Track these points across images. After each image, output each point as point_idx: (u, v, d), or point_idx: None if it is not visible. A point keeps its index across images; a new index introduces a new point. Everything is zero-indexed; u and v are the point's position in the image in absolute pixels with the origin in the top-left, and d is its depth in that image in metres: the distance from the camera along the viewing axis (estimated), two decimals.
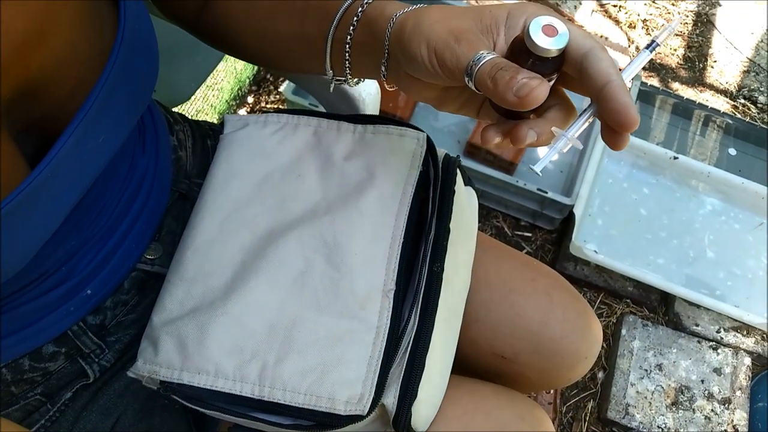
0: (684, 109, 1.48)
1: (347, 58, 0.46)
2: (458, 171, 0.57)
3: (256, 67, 1.44)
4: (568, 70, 0.38)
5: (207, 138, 0.64)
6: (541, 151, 1.34)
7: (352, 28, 0.44)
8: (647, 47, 0.38)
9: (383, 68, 0.43)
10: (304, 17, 0.47)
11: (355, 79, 0.48)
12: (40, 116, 0.36)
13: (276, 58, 0.52)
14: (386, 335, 0.46)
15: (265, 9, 0.49)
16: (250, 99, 1.45)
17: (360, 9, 0.44)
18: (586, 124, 0.38)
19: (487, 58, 0.36)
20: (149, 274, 0.53)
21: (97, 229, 0.48)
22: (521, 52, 0.35)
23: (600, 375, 1.19)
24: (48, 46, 0.35)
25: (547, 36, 0.33)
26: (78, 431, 0.51)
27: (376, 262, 0.48)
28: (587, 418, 1.15)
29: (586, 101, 0.39)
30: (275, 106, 1.46)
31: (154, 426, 0.53)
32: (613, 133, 0.36)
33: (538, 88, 0.34)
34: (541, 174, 0.39)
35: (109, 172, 0.48)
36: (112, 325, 0.52)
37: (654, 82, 1.61)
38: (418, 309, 0.48)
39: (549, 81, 0.36)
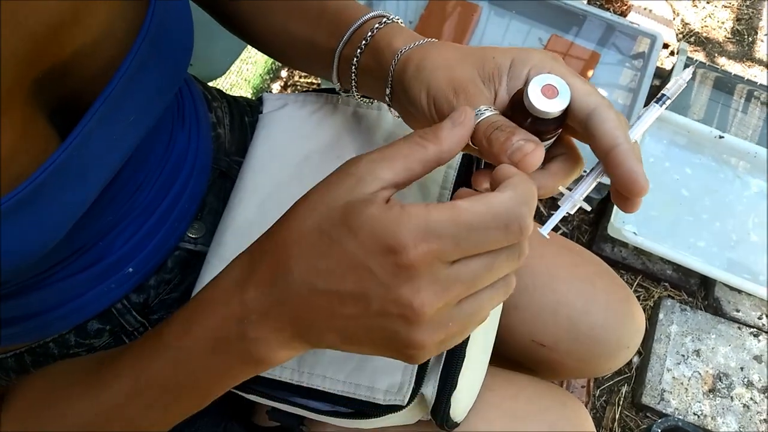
0: (726, 84, 1.42)
1: (353, 77, 0.45)
2: None
3: None
4: (574, 126, 0.36)
5: (245, 115, 0.63)
6: None
7: (359, 51, 0.43)
8: (657, 101, 0.36)
9: (387, 99, 0.43)
10: (316, 25, 0.47)
11: (365, 98, 0.48)
12: (75, 93, 0.36)
13: (288, 57, 0.53)
14: None
15: (281, 7, 0.49)
16: (284, 73, 1.44)
17: (370, 33, 0.43)
18: (595, 183, 0.36)
19: (484, 116, 0.34)
20: (192, 253, 0.53)
21: (135, 205, 0.48)
22: (520, 109, 0.33)
23: (635, 359, 1.17)
24: (84, 25, 0.34)
25: (547, 97, 0.31)
26: None
27: None
28: (621, 403, 1.14)
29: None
30: (309, 81, 1.44)
31: None
32: (623, 197, 0.35)
33: (533, 154, 0.32)
34: (548, 237, 0.37)
35: (146, 147, 0.47)
36: (155, 304, 0.52)
37: (700, 56, 1.55)
38: None
39: (549, 139, 0.34)
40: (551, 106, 0.31)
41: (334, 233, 0.29)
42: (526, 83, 0.31)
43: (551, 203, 1.33)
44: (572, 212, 0.36)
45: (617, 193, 0.35)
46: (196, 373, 0.34)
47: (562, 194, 0.36)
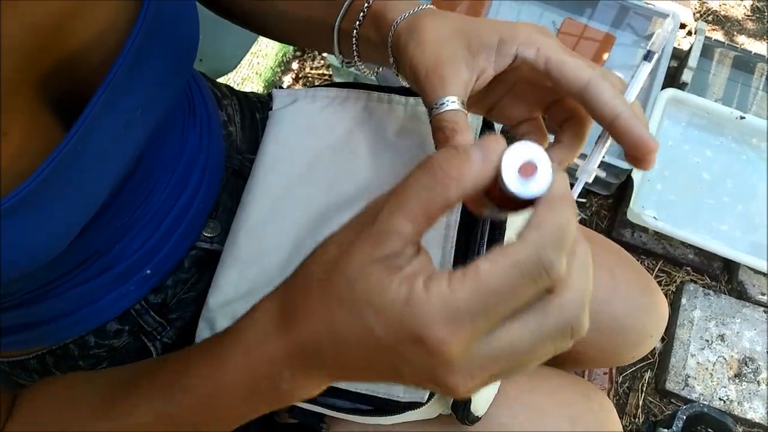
0: (746, 64, 1.38)
1: (355, 49, 0.45)
2: None
3: None
4: (575, 99, 0.37)
5: (255, 111, 0.63)
6: None
7: (358, 23, 0.43)
8: (645, 58, 0.38)
9: (393, 67, 0.43)
10: (312, 1, 0.47)
11: (373, 67, 0.48)
12: (79, 85, 0.36)
13: (288, 36, 0.53)
14: None
15: None
16: (295, 65, 1.43)
17: (366, 4, 0.43)
18: (605, 150, 0.37)
19: (438, 111, 0.36)
20: (208, 252, 0.53)
21: (150, 207, 0.48)
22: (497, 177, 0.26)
23: (658, 345, 1.15)
24: (87, 17, 0.34)
25: (524, 177, 0.25)
26: None
27: (432, 245, 0.47)
28: (644, 389, 1.12)
29: None
30: (320, 72, 1.44)
31: None
32: (635, 158, 0.36)
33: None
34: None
35: (158, 146, 0.47)
36: (173, 303, 0.52)
37: (718, 35, 1.52)
38: None
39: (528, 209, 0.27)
40: (527, 190, 0.25)
41: (356, 308, 0.27)
42: (501, 156, 0.25)
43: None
44: (590, 181, 0.37)
45: (629, 155, 0.36)
46: (218, 415, 0.33)
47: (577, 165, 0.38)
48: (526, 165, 0.25)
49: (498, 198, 0.26)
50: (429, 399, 0.43)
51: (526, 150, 0.25)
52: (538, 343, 0.26)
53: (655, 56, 0.38)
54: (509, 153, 0.25)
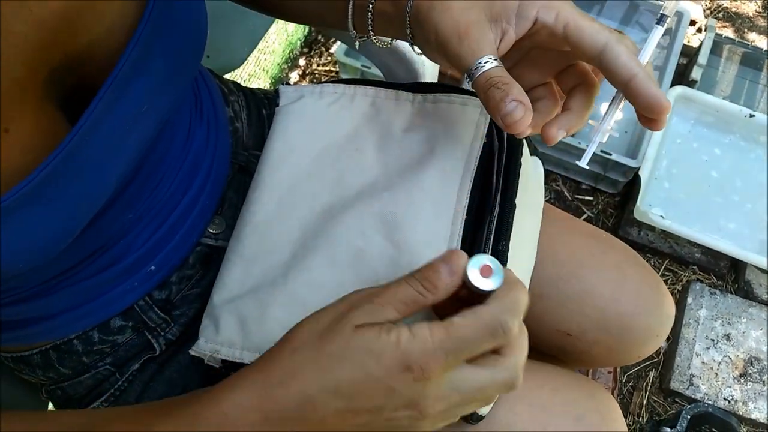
0: (755, 61, 1.37)
1: (370, 23, 0.45)
2: (524, 140, 0.54)
3: (307, 29, 1.41)
4: (589, 63, 0.39)
5: (262, 108, 0.62)
6: None
7: None
8: (657, 22, 0.39)
9: (409, 38, 0.43)
10: None
11: (385, 41, 0.48)
12: (87, 82, 0.36)
13: (302, 15, 0.53)
14: None
15: None
16: (302, 62, 1.43)
17: None
18: (619, 111, 0.39)
19: (483, 70, 0.37)
20: (213, 249, 0.53)
21: (156, 202, 0.48)
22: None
23: (663, 345, 1.15)
24: (94, 14, 0.34)
25: (483, 276, 0.34)
26: (144, 401, 0.53)
27: (439, 240, 0.46)
28: (648, 388, 1.12)
29: None
30: (327, 69, 1.43)
31: None
32: (648, 119, 0.38)
33: (521, 121, 0.37)
34: (588, 167, 0.43)
35: (165, 142, 0.47)
36: (177, 300, 0.52)
37: (728, 32, 1.50)
38: None
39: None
40: (487, 285, 0.34)
41: (356, 357, 0.33)
42: (468, 262, 0.34)
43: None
44: (604, 140, 0.40)
45: (642, 116, 0.38)
46: None
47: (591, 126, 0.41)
48: (484, 267, 0.34)
49: (465, 296, 0.35)
50: None
51: (480, 258, 0.34)
52: (489, 387, 0.34)
53: (668, 20, 0.39)
54: (471, 263, 0.34)
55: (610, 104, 0.39)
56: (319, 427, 0.34)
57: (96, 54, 0.35)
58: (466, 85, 0.44)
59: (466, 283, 0.34)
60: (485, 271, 0.34)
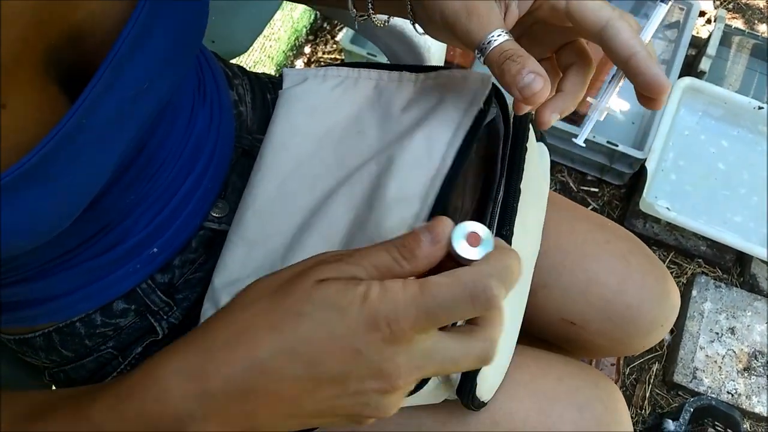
0: (765, 52, 1.36)
1: (370, 2, 0.44)
2: (530, 126, 0.53)
3: (312, 17, 1.41)
4: (590, 39, 0.38)
5: (267, 92, 0.62)
6: None
7: None
8: (662, 0, 0.39)
9: (410, 16, 0.42)
10: None
11: (383, 19, 0.47)
12: (86, 60, 0.35)
13: None
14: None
15: None
16: (308, 49, 1.42)
17: None
18: (617, 88, 0.39)
19: (496, 44, 0.36)
20: (216, 233, 0.53)
21: (158, 184, 0.48)
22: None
23: (667, 337, 1.14)
24: None
25: (470, 245, 0.30)
26: None
27: (412, 198, 0.44)
28: (652, 381, 1.12)
29: None
30: (333, 56, 1.42)
31: None
32: (647, 98, 0.37)
33: (541, 93, 0.35)
34: (585, 145, 0.42)
35: (167, 124, 0.47)
36: (180, 283, 0.52)
37: (738, 23, 1.49)
38: None
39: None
40: (475, 254, 0.30)
41: (317, 312, 0.29)
42: (453, 229, 0.31)
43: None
44: (601, 119, 0.39)
45: (641, 94, 0.38)
46: None
47: (590, 104, 0.40)
48: (471, 235, 0.30)
49: (450, 265, 0.31)
50: (422, 385, 0.43)
51: (467, 224, 0.30)
52: (463, 358, 0.30)
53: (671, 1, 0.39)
54: (456, 230, 0.30)
55: (609, 81, 0.39)
56: (273, 403, 0.30)
57: (95, 30, 0.35)
58: (478, 65, 0.43)
59: (451, 254, 0.30)
60: (473, 239, 0.30)
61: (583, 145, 0.42)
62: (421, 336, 0.29)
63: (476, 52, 0.38)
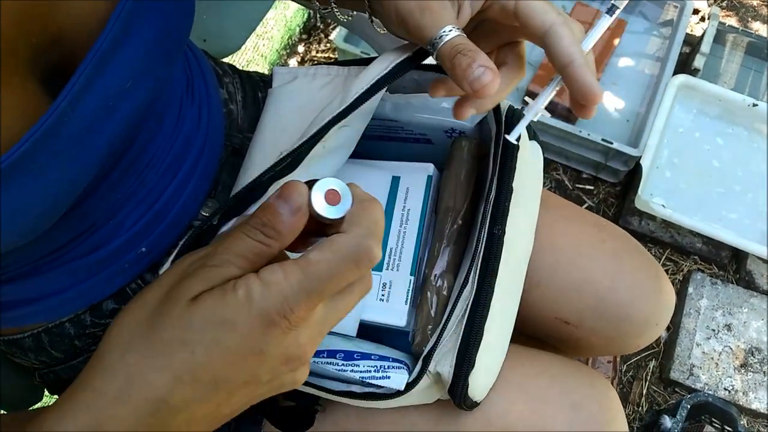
0: (760, 50, 1.36)
1: None
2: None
3: (306, 15, 1.40)
4: (536, 43, 0.39)
5: (258, 90, 0.62)
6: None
7: None
8: (607, 11, 0.40)
9: (368, 12, 0.43)
10: None
11: (347, 12, 0.47)
12: (69, 56, 0.35)
13: None
14: None
15: None
16: (301, 48, 1.42)
17: None
18: (554, 92, 0.40)
19: (447, 39, 0.37)
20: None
21: (145, 183, 0.47)
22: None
23: (663, 334, 1.14)
24: None
25: (331, 204, 0.30)
26: None
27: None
28: (648, 378, 1.11)
29: None
30: (326, 55, 1.42)
31: None
32: (580, 105, 0.39)
33: (491, 84, 0.36)
34: (517, 143, 0.43)
35: (155, 122, 0.47)
36: None
37: (732, 21, 1.49)
38: (477, 274, 0.46)
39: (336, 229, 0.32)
40: (336, 212, 0.30)
41: (204, 335, 0.28)
42: (310, 188, 0.30)
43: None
44: (535, 119, 0.40)
45: (575, 102, 0.39)
46: None
47: (527, 104, 0.41)
48: (329, 192, 0.30)
49: (314, 229, 0.31)
50: (415, 383, 0.43)
51: (322, 183, 0.30)
52: (353, 302, 0.31)
53: (617, 11, 0.39)
54: (314, 192, 0.29)
55: (547, 85, 0.40)
56: (190, 425, 0.29)
57: (77, 30, 0.35)
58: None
59: (312, 215, 0.30)
60: (331, 197, 0.30)
61: (516, 142, 0.43)
62: (315, 311, 0.30)
63: (429, 47, 0.38)
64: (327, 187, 0.30)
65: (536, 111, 0.40)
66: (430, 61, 0.42)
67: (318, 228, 0.31)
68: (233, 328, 0.28)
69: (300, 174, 0.44)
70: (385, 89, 0.44)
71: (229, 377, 0.29)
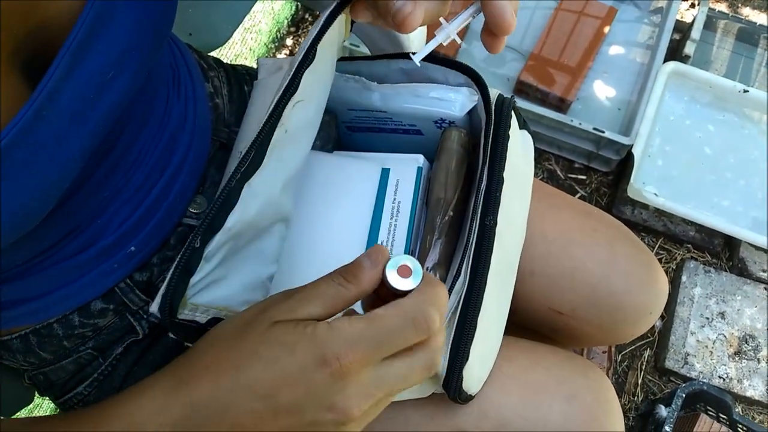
0: (750, 36, 1.35)
1: None
2: (513, 113, 0.52)
3: (293, 8, 1.39)
4: None
5: (244, 84, 0.61)
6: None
7: None
8: None
9: None
10: None
11: None
12: (49, 48, 0.34)
13: None
14: None
15: None
16: (289, 41, 1.41)
17: None
18: (471, 18, 0.39)
19: None
20: (194, 229, 0.52)
21: (133, 180, 0.47)
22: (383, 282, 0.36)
23: (658, 323, 1.14)
24: None
25: (402, 277, 0.34)
26: (129, 385, 0.52)
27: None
28: (643, 367, 1.12)
29: None
30: None
31: None
32: (491, 35, 0.38)
33: (411, 15, 0.35)
34: (419, 65, 0.41)
35: (140, 118, 0.46)
36: (159, 282, 0.51)
37: (722, 7, 1.48)
38: (469, 266, 0.45)
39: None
40: (406, 285, 0.34)
41: (270, 352, 0.32)
42: (386, 265, 0.34)
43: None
44: (445, 44, 0.39)
45: (487, 31, 0.38)
46: None
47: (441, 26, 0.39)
48: (402, 267, 0.34)
49: (383, 294, 0.35)
50: None
51: (399, 258, 0.34)
52: (409, 373, 0.33)
53: None
54: (389, 263, 0.34)
55: (464, 10, 0.39)
56: (236, 430, 0.33)
57: (58, 20, 0.34)
58: (463, 54, 0.42)
59: (385, 284, 0.34)
60: (403, 272, 0.34)
61: (419, 65, 0.41)
62: (368, 366, 0.32)
63: None
64: (401, 262, 0.34)
65: (447, 34, 0.39)
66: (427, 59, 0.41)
67: (389, 299, 0.34)
68: (292, 352, 0.31)
69: (269, 169, 0.43)
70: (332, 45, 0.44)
71: (275, 396, 0.32)
